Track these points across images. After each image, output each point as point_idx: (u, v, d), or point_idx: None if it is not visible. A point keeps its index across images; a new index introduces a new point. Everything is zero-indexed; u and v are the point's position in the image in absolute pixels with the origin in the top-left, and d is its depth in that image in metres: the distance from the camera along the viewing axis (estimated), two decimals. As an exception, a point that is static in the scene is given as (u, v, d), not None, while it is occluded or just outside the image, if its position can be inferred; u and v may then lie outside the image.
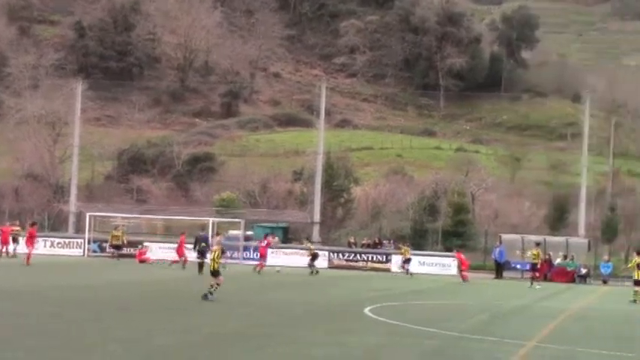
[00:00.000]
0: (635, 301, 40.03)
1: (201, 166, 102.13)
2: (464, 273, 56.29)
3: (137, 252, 61.78)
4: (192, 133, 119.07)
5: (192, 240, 52.63)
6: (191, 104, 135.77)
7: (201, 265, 48.09)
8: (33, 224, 53.62)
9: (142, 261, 59.58)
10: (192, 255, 51.67)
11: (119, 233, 62.18)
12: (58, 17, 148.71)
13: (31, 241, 50.36)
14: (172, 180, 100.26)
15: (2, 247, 57.11)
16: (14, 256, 55.45)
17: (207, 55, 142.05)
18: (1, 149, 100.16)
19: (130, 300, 31.05)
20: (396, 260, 62.42)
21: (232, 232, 71.96)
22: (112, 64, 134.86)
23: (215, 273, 30.62)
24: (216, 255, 30.81)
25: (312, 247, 56.50)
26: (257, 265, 53.31)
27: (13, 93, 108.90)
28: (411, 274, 56.75)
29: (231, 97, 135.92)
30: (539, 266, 52.98)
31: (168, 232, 76.45)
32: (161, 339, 20.80)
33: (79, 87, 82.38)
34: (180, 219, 74.12)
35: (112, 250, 62.04)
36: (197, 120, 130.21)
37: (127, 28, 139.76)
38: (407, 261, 58.67)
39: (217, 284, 30.55)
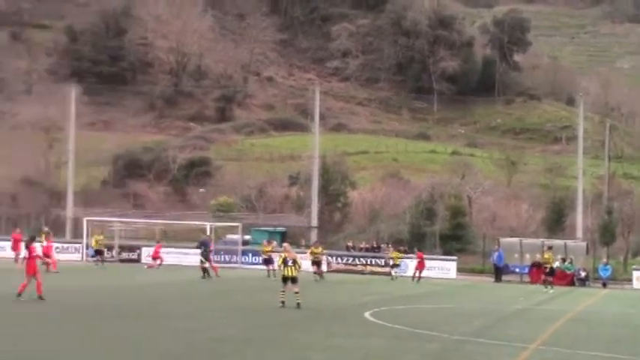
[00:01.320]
0: None
1: (197, 170, 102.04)
2: (418, 273, 56.42)
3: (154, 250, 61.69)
4: (187, 137, 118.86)
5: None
6: (185, 109, 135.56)
7: (204, 270, 48.06)
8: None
9: (155, 258, 59.66)
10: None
11: (100, 238, 61.25)
12: (50, 21, 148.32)
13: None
14: (169, 184, 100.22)
15: (15, 254, 56.87)
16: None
17: (199, 59, 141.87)
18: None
19: (131, 304, 30.90)
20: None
21: (230, 237, 71.95)
22: (105, 68, 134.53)
23: (292, 280, 30.54)
24: (281, 262, 30.84)
25: (316, 250, 54.03)
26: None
27: (6, 98, 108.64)
28: (395, 277, 56.92)
29: (225, 101, 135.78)
30: (547, 270, 52.90)
31: (165, 237, 76.38)
32: (163, 344, 20.71)
33: (72, 92, 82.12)
34: (177, 223, 74.07)
35: (97, 256, 60.78)
36: (192, 124, 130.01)
37: (119, 32, 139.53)
38: (394, 266, 58.65)
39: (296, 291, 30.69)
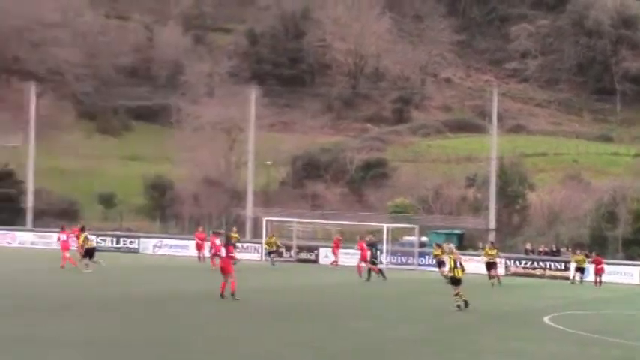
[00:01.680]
0: None
1: (374, 172, 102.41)
2: (599, 278, 54.77)
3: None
4: (364, 138, 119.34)
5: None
6: (363, 110, 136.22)
7: (380, 271, 48.14)
8: (216, 233, 52.44)
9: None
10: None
11: (273, 239, 62.11)
12: (231, 25, 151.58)
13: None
14: (346, 186, 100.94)
15: (199, 253, 58.31)
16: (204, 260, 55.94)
17: (377, 61, 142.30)
18: (180, 156, 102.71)
19: (308, 303, 31.17)
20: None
21: (407, 238, 71.88)
22: (284, 71, 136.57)
23: (455, 281, 30.54)
24: (453, 264, 30.77)
25: (490, 251, 52.97)
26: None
27: (189, 100, 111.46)
28: (578, 282, 55.81)
29: (403, 102, 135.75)
30: None
31: (342, 238, 76.79)
32: (336, 344, 20.76)
33: (253, 94, 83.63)
34: (354, 224, 74.38)
35: (270, 255, 61.50)
36: (369, 126, 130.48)
37: (298, 35, 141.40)
38: (579, 269, 57.32)
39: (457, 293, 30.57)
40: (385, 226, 66.39)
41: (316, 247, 68.98)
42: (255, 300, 31.39)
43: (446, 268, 33.70)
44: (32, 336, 20.01)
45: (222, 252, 31.16)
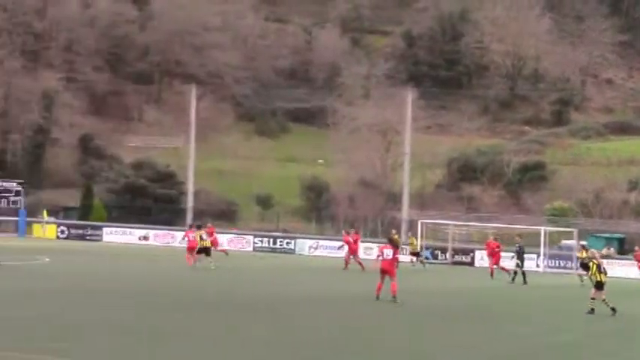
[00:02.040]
0: None
1: (532, 174, 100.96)
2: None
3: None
4: (522, 141, 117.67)
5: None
6: (520, 112, 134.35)
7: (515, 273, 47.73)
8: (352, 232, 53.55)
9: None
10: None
11: (413, 241, 61.09)
12: (389, 27, 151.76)
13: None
14: (503, 188, 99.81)
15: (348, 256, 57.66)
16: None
17: (536, 63, 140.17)
18: (337, 157, 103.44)
19: (463, 307, 30.90)
20: None
21: (565, 242, 70.57)
22: (441, 72, 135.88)
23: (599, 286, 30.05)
24: (595, 269, 30.23)
25: None
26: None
27: (346, 102, 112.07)
28: None
29: (562, 104, 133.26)
30: None
31: (498, 241, 75.85)
32: (493, 347, 20.52)
33: (409, 96, 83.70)
34: (510, 227, 73.48)
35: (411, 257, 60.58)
36: (527, 128, 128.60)
37: (455, 36, 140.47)
38: None
39: (593, 298, 30.04)
40: (543, 229, 65.41)
41: (472, 250, 68.38)
42: (410, 302, 31.29)
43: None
44: (188, 330, 20.45)
45: (387, 253, 30.74)
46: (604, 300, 30.08)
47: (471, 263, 66.38)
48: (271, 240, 72.85)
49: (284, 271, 47.67)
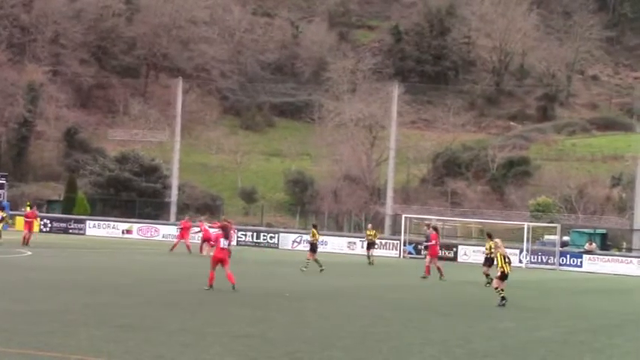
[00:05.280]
0: None
1: (517, 170, 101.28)
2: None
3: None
4: (507, 136, 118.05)
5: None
6: (506, 108, 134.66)
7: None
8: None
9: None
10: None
11: (371, 232, 58.91)
12: (376, 22, 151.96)
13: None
14: (487, 184, 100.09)
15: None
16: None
17: (522, 58, 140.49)
18: (321, 152, 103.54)
19: (447, 302, 30.95)
20: None
21: (548, 237, 70.77)
22: (427, 67, 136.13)
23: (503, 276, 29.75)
24: (501, 260, 29.81)
25: None
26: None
27: (332, 97, 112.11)
28: None
29: (547, 100, 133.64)
30: None
31: (481, 236, 76.16)
32: (477, 344, 20.55)
33: (395, 91, 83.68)
34: (494, 222, 73.64)
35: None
36: (512, 123, 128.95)
37: (442, 32, 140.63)
38: None
39: (497, 288, 29.81)
40: (526, 224, 65.65)
41: (455, 245, 68.53)
42: (389, 297, 31.36)
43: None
44: (164, 323, 20.43)
45: (223, 242, 30.32)
46: (502, 289, 29.62)
47: (454, 258, 66.44)
48: (255, 234, 72.87)
49: (266, 265, 47.65)
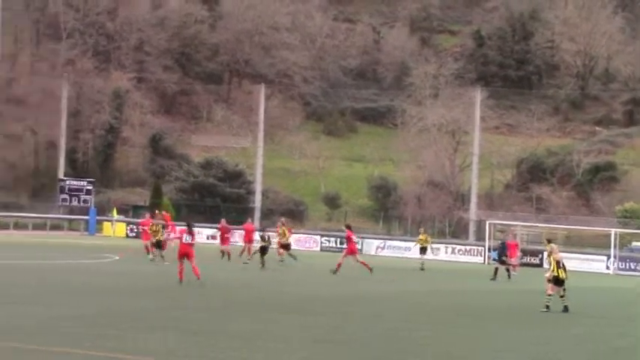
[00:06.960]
0: None
1: (603, 175, 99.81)
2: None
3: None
4: (592, 141, 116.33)
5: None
6: (591, 112, 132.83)
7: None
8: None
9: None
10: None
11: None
12: (458, 27, 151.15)
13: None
14: (572, 189, 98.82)
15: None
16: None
17: (607, 62, 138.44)
18: (404, 157, 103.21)
19: (529, 308, 30.60)
20: None
21: (636, 244, 69.67)
22: (510, 72, 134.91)
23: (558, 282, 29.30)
24: (554, 265, 29.39)
25: None
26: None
27: (414, 102, 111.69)
28: None
29: (634, 104, 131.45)
30: None
31: (568, 242, 75.20)
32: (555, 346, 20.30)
33: (478, 96, 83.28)
34: (579, 229, 72.73)
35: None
36: (598, 128, 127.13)
37: (525, 36, 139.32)
38: None
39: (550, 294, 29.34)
40: (613, 230, 64.64)
41: (541, 252, 67.69)
42: (476, 302, 31.12)
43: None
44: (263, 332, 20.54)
45: (187, 238, 32.81)
46: (562, 296, 29.26)
47: (540, 264, 65.63)
48: (339, 240, 72.86)
49: (349, 271, 47.58)
